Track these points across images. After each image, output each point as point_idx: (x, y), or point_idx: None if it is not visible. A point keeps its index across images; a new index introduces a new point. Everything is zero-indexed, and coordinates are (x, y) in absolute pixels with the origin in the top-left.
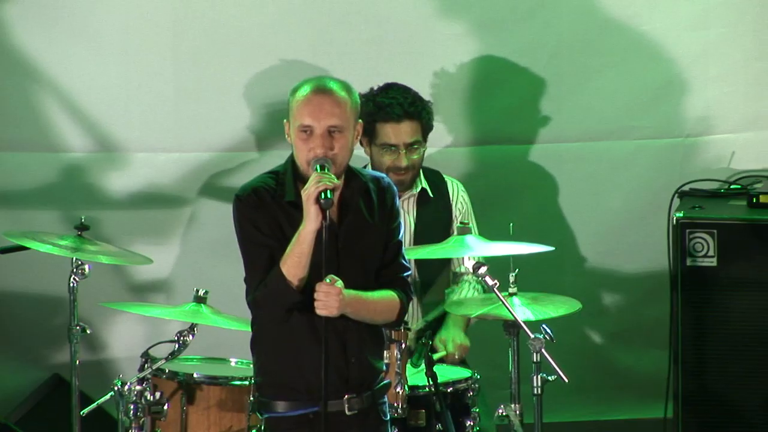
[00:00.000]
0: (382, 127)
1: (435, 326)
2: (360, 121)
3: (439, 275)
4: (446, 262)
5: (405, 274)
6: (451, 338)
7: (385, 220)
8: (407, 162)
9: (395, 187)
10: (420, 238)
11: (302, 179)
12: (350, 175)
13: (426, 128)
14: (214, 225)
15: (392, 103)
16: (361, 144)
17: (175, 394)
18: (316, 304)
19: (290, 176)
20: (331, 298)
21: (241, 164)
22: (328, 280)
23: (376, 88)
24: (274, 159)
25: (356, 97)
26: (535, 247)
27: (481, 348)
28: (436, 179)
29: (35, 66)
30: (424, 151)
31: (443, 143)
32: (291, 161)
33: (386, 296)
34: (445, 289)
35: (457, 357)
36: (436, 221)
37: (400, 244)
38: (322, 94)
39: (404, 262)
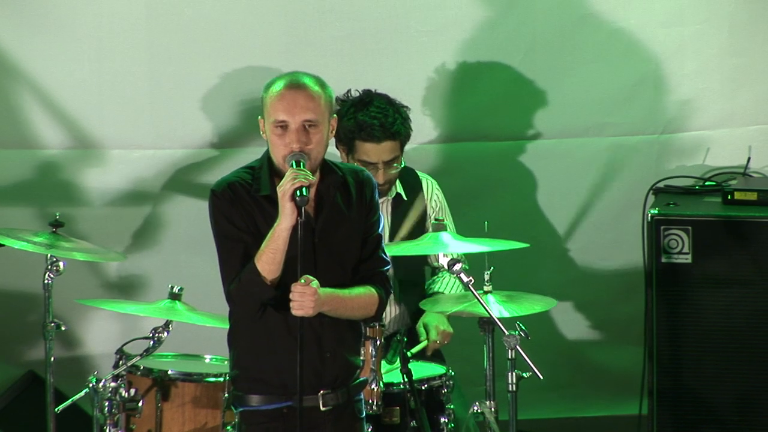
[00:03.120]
0: (362, 145)
1: (416, 315)
2: (335, 116)
3: (415, 273)
4: (422, 261)
5: (384, 268)
6: (434, 324)
7: (363, 213)
8: (385, 178)
9: (374, 181)
10: (394, 239)
11: (278, 174)
12: (326, 169)
13: (405, 141)
14: (188, 221)
15: (373, 124)
16: (337, 148)
17: (150, 391)
18: (291, 304)
19: (266, 171)
20: (306, 298)
21: (216, 161)
22: (303, 281)
23: (355, 94)
24: (249, 156)
25: (330, 92)
26: (510, 244)
27: (456, 345)
28: (410, 178)
29: (10, 62)
30: (401, 162)
31: (419, 140)
32: (267, 156)
33: (364, 292)
34: (424, 285)
35: (439, 343)
36: (410, 221)
37: (379, 238)
38: (296, 89)
39: (384, 256)
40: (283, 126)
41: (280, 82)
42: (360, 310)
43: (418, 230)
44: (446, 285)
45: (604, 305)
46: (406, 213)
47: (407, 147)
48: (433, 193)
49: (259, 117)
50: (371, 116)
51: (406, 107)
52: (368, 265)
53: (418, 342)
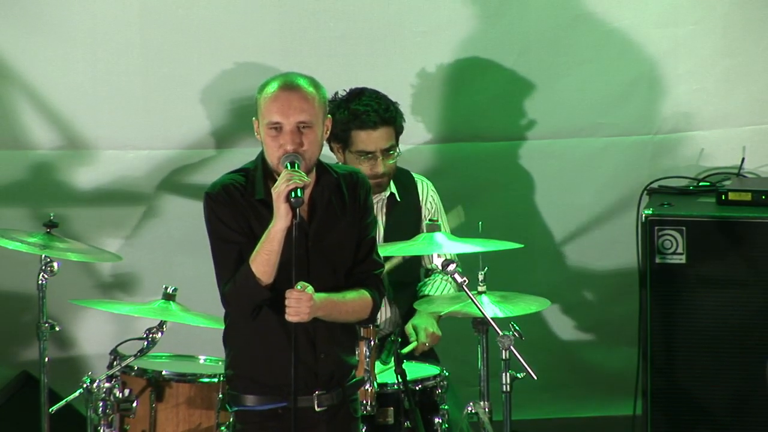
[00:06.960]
0: (358, 135)
1: (407, 316)
2: (329, 116)
3: (408, 274)
4: (417, 262)
5: (378, 270)
6: (423, 327)
7: (357, 215)
8: (384, 168)
9: (369, 182)
10: (389, 241)
11: (272, 177)
12: (321, 171)
13: (399, 132)
14: (183, 222)
15: (368, 111)
16: (332, 150)
17: (144, 392)
18: (287, 310)
19: (260, 174)
20: (302, 304)
21: (210, 161)
22: (299, 287)
23: (343, 93)
24: (244, 155)
25: (324, 93)
26: (504, 244)
27: (450, 345)
28: (405, 179)
29: (3, 63)
30: (398, 154)
31: (413, 141)
32: (261, 159)
33: (358, 296)
34: (417, 285)
35: (427, 346)
36: (405, 223)
37: (373, 240)
38: (290, 91)
39: (377, 258)
40: (277, 127)
41: (274, 84)
42: (354, 314)
43: (413, 234)
44: (436, 288)
45: (599, 306)
46: (400, 215)
47: (402, 148)
48: (428, 195)
49: (254, 118)
50: (364, 104)
51: (396, 102)
52: (362, 267)
53: (408, 343)
